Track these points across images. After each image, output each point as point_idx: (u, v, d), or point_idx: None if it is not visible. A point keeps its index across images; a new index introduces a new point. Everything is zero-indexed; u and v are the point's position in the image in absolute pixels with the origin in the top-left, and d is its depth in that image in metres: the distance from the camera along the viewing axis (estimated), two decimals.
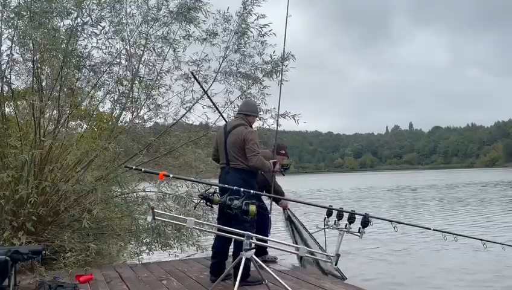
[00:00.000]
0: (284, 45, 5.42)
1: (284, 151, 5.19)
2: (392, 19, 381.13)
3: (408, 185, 33.15)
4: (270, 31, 5.78)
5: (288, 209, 5.35)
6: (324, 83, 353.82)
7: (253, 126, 4.38)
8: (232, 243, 4.04)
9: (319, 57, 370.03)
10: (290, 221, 5.30)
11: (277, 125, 5.42)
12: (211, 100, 5.68)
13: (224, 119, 5.54)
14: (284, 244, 4.77)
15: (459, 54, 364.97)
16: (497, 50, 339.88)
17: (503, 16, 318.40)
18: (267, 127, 6.00)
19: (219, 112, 5.65)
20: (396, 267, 6.76)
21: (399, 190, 28.53)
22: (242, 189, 3.66)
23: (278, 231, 6.86)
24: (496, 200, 17.53)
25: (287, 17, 4.98)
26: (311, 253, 4.37)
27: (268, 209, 4.80)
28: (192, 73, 5.77)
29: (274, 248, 4.63)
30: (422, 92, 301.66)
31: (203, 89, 5.75)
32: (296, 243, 5.10)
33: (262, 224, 4.70)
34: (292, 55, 5.76)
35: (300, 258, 5.08)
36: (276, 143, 5.21)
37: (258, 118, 5.58)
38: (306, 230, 5.28)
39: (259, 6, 5.80)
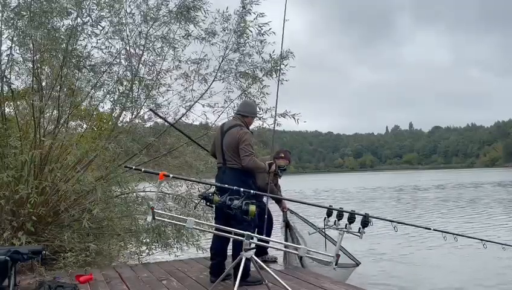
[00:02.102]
0: (282, 48, 5.43)
1: (283, 155, 5.17)
2: (392, 19, 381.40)
3: (416, 186, 32.67)
4: (269, 29, 5.79)
5: (289, 210, 5.31)
6: (324, 83, 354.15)
7: (252, 126, 4.38)
8: (231, 243, 4.04)
9: (319, 57, 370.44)
10: (287, 224, 5.28)
11: (274, 124, 5.45)
12: (181, 131, 5.76)
13: (199, 145, 5.64)
14: (284, 244, 4.79)
15: (460, 54, 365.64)
16: (498, 50, 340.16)
17: (504, 17, 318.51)
18: (267, 126, 6.00)
19: (192, 140, 5.70)
20: (396, 267, 6.76)
21: (409, 190, 28.05)
22: (242, 189, 3.66)
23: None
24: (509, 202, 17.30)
25: (284, 21, 4.95)
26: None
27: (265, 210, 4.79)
28: (151, 110, 5.80)
29: (274, 248, 4.63)
30: (422, 92, 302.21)
31: (169, 123, 5.77)
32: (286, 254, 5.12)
33: (266, 226, 4.77)
34: (291, 53, 5.77)
35: (300, 258, 5.08)
36: (280, 149, 5.21)
37: (257, 118, 5.59)
38: (301, 236, 5.22)
39: (257, 4, 5.81)
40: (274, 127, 5.47)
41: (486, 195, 21.10)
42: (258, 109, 6.02)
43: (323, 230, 4.15)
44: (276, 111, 5.31)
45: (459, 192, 24.27)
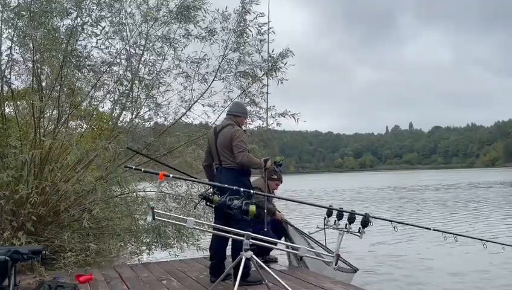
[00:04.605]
0: (268, 49, 5.54)
1: (276, 177, 5.10)
2: (393, 19, 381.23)
3: (427, 185, 32.18)
4: (269, 29, 5.78)
5: (284, 220, 5.29)
6: (324, 82, 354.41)
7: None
8: (230, 243, 4.04)
9: (319, 56, 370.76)
10: (285, 234, 5.26)
11: (267, 122, 5.49)
12: (147, 156, 5.70)
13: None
14: (284, 244, 4.79)
15: (460, 54, 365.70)
16: (499, 50, 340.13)
17: (505, 17, 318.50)
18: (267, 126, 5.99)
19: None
20: (396, 267, 6.76)
21: (419, 190, 27.52)
22: (242, 189, 3.66)
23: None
24: None
25: (268, 23, 4.96)
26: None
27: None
28: (128, 148, 5.64)
29: (274, 248, 4.62)
30: (422, 92, 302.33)
31: (143, 155, 5.73)
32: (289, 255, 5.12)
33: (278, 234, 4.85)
34: (290, 51, 5.77)
35: (300, 258, 5.07)
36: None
37: (257, 118, 5.57)
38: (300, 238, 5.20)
39: (257, 4, 5.81)
40: (267, 126, 5.53)
41: (498, 195, 20.89)
42: (258, 109, 6.05)
43: (323, 228, 4.14)
44: (267, 110, 5.44)
45: (474, 192, 23.29)
